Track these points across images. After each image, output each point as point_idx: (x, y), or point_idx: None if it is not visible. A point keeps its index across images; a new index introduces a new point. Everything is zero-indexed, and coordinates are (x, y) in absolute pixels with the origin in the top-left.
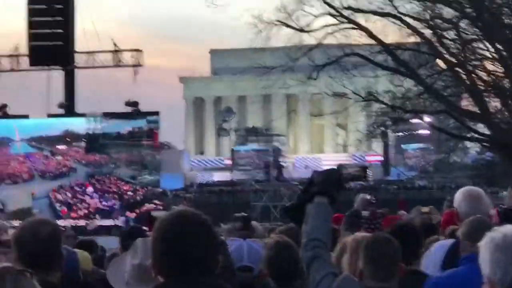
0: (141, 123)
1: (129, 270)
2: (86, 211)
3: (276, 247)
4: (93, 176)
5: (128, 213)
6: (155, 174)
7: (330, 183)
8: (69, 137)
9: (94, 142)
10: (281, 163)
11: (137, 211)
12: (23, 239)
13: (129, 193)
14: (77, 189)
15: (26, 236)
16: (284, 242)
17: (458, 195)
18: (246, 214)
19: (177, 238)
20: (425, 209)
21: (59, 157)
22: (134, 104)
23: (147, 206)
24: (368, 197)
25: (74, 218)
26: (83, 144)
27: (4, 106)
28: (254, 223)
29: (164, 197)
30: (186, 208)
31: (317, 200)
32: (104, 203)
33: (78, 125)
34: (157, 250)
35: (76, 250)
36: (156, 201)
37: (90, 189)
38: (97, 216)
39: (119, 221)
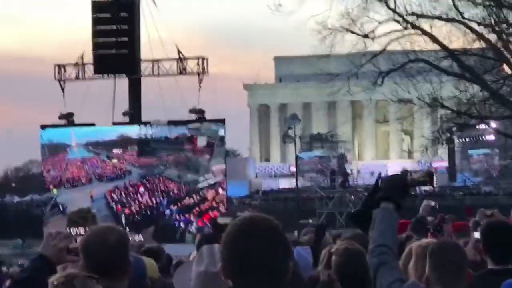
0: (183, 130)
1: (194, 278)
2: (138, 208)
3: (346, 253)
4: (145, 177)
5: (171, 206)
6: (195, 173)
7: (395, 188)
8: (124, 142)
9: (145, 146)
10: (346, 169)
11: (179, 204)
12: (90, 246)
13: (175, 190)
14: (131, 189)
15: (93, 243)
16: (353, 249)
17: None
18: (319, 223)
19: (247, 243)
20: (488, 212)
21: (115, 161)
22: (200, 111)
23: (187, 200)
24: (433, 203)
25: (127, 214)
26: (136, 148)
27: (70, 114)
28: None
29: (229, 205)
30: (258, 213)
31: (382, 205)
32: (153, 199)
33: (131, 130)
34: (226, 254)
35: (143, 257)
36: (194, 196)
37: (141, 189)
38: (148, 211)
39: (167, 213)
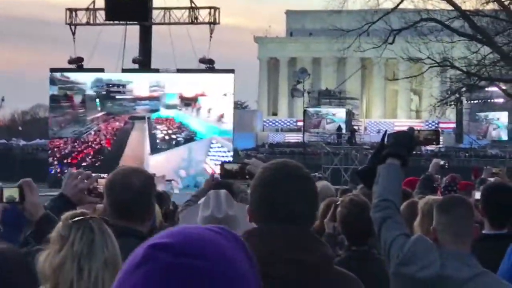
0: (55, 89)
1: (199, 222)
2: None
3: (351, 205)
4: None
5: (53, 160)
6: (80, 127)
7: (401, 145)
8: None
9: None
10: (353, 126)
11: (58, 155)
12: (114, 187)
13: (61, 145)
14: None
15: (118, 184)
16: (358, 200)
17: None
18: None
19: (278, 188)
20: (495, 169)
21: None
22: (209, 61)
23: (69, 148)
24: (442, 162)
25: None
26: None
27: (80, 59)
28: (324, 182)
29: (235, 157)
30: (290, 160)
31: (388, 161)
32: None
33: None
34: (255, 196)
35: None
36: (76, 144)
37: None
38: None
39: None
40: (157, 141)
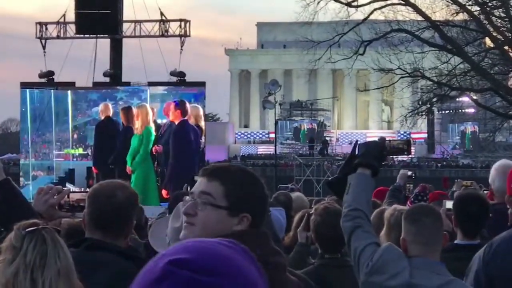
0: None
1: (169, 233)
2: None
3: (325, 212)
4: None
5: None
6: None
7: (372, 155)
8: None
9: None
10: (325, 137)
11: None
12: (98, 198)
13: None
14: None
15: (102, 195)
16: (333, 208)
17: (492, 171)
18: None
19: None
20: (468, 182)
21: None
22: (180, 74)
23: None
24: (410, 172)
25: None
26: None
27: (51, 73)
28: (298, 194)
29: None
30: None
31: (359, 171)
32: None
33: None
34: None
35: None
36: None
37: None
38: None
39: None
40: None
